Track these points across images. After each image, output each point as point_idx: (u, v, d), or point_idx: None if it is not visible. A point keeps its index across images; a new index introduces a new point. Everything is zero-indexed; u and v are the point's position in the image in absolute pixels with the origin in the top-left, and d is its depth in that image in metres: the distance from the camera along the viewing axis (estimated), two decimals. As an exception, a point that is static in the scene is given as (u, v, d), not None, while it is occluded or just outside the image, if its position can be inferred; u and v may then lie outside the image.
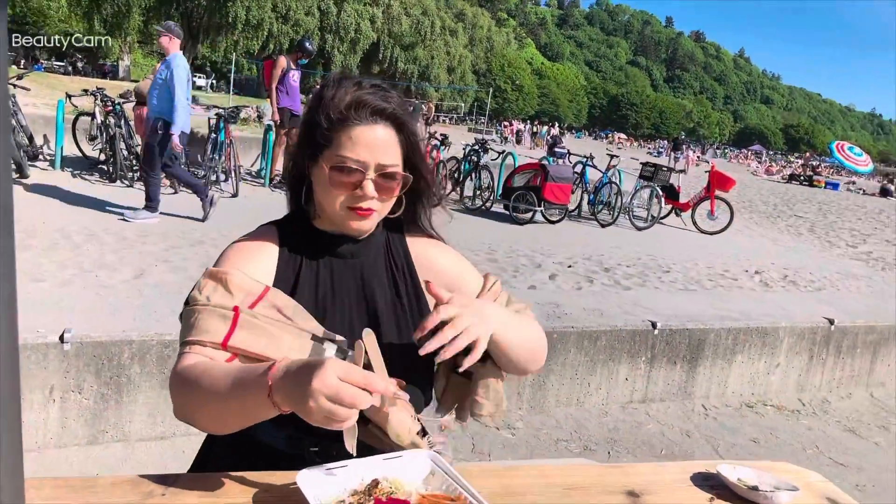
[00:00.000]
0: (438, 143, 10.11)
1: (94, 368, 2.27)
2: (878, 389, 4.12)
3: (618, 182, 10.44)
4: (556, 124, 60.26)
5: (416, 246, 1.25)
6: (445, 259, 1.26)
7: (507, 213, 9.48)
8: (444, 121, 45.09)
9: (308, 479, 0.87)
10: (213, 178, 8.50)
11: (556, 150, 25.57)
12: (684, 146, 29.44)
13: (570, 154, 11.43)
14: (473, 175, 10.06)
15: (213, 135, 8.59)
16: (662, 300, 3.95)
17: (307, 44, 9.19)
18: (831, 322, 3.83)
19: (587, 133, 78.89)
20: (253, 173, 9.96)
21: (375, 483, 0.88)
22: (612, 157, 10.89)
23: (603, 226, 9.87)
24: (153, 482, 0.91)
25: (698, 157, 43.15)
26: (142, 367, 2.33)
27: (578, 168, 10.73)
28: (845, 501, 1.04)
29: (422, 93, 60.78)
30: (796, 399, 3.79)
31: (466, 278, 1.25)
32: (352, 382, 0.80)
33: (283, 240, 1.17)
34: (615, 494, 0.99)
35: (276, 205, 6.54)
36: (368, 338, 0.95)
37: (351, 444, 0.88)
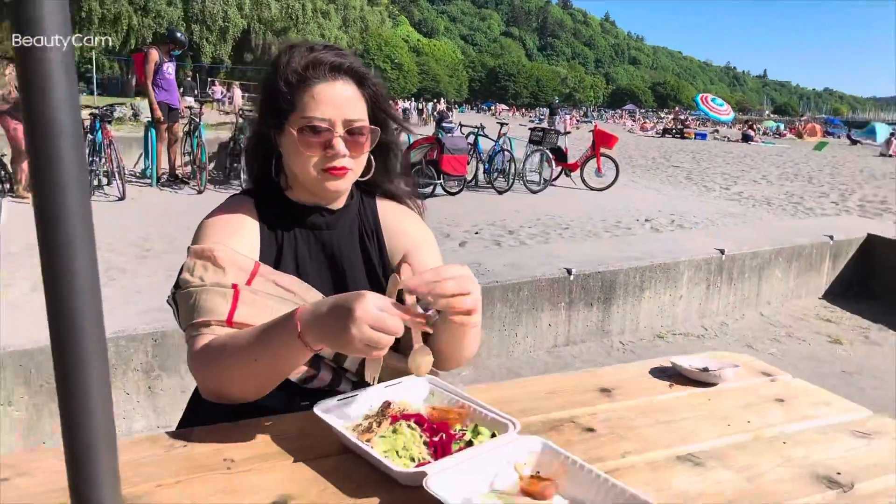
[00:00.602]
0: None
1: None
2: (766, 308, 4.56)
3: (510, 149, 10.73)
4: (443, 99, 60.58)
5: (386, 211, 1.24)
6: (410, 224, 1.25)
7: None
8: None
9: (324, 408, 0.93)
10: (95, 182, 8.04)
11: (445, 124, 25.85)
12: (559, 111, 30.53)
13: (461, 126, 11.60)
14: (369, 154, 10.04)
15: (90, 136, 8.10)
16: (573, 250, 4.18)
17: (178, 34, 8.79)
18: (722, 252, 4.20)
19: (469, 107, 79.78)
20: (137, 174, 9.48)
21: (387, 404, 0.95)
22: (501, 125, 11.15)
23: (500, 192, 10.14)
24: (172, 437, 0.94)
25: (577, 119, 44.76)
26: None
27: (471, 139, 10.93)
28: (775, 372, 1.22)
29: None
30: (699, 325, 4.14)
31: (427, 249, 1.22)
32: (389, 312, 0.86)
33: (261, 213, 1.15)
34: (591, 392, 1.11)
35: (167, 204, 6.41)
36: (405, 272, 0.99)
37: (373, 376, 0.93)
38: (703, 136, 30.92)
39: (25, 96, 0.47)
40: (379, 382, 1.01)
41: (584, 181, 11.26)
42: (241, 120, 9.80)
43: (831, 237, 4.84)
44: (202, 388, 1.02)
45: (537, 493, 0.79)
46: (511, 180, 10.28)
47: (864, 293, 4.97)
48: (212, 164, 9.50)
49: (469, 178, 10.33)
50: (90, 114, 8.33)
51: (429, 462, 0.83)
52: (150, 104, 8.36)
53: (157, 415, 2.50)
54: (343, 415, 0.94)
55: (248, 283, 1.04)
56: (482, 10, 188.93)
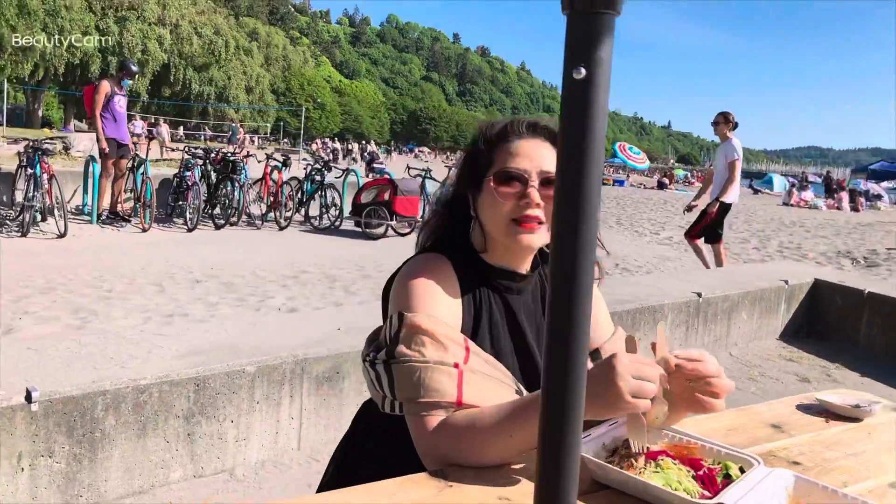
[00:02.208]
0: (280, 164, 9.89)
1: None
2: (734, 349, 4.83)
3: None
4: (373, 140, 60.80)
5: None
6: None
7: (359, 229, 9.56)
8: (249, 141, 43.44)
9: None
10: (31, 218, 7.60)
11: (375, 165, 25.98)
12: None
13: (409, 169, 11.73)
14: (319, 194, 9.98)
15: (28, 170, 7.70)
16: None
17: (130, 65, 8.57)
18: (699, 295, 4.44)
19: (391, 148, 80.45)
20: (73, 210, 9.02)
21: (627, 443, 1.00)
22: (449, 168, 11.33)
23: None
24: (435, 477, 0.95)
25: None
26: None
27: (418, 181, 11.07)
28: (905, 407, 1.35)
29: (220, 114, 58.24)
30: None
31: (602, 308, 1.30)
32: (643, 363, 0.91)
33: (459, 275, 1.16)
34: (766, 428, 1.20)
35: (112, 242, 6.20)
36: (661, 329, 1.03)
37: (640, 444, 0.96)
38: (622, 183, 32.41)
39: None
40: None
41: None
42: (187, 157, 9.56)
43: (786, 281, 5.20)
44: (440, 461, 1.02)
45: (813, 522, 0.86)
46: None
47: (813, 334, 5.34)
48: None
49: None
50: (29, 146, 7.93)
51: (707, 495, 0.89)
52: (98, 138, 8.03)
53: (194, 463, 2.40)
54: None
55: (465, 360, 1.06)
56: (403, 54, 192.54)
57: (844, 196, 23.70)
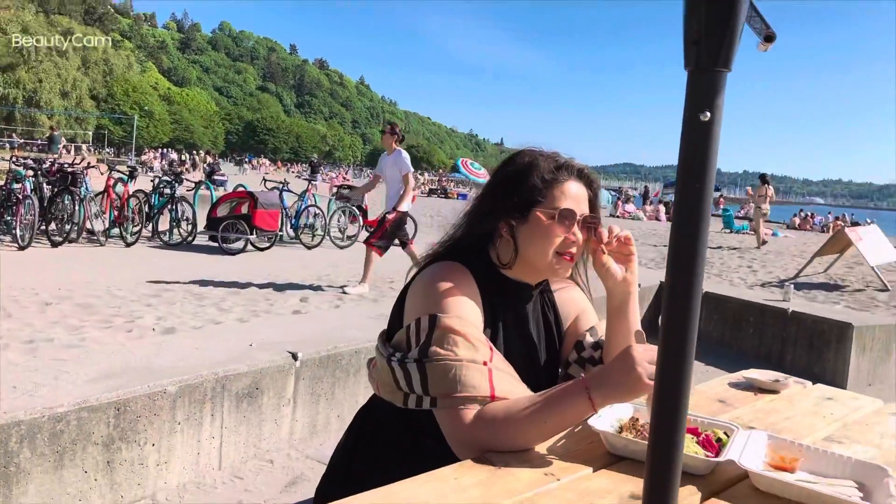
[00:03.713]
0: (125, 177, 9.25)
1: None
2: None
3: (317, 205, 10.83)
4: (212, 151, 57.79)
5: (556, 284, 1.46)
6: (576, 292, 1.48)
7: (214, 244, 9.17)
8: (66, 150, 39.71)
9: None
10: None
11: (216, 177, 24.83)
12: (321, 168, 31.29)
13: (265, 181, 11.41)
14: (169, 208, 9.44)
15: None
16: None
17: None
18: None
19: (227, 159, 77.12)
20: None
21: (636, 419, 1.17)
22: (309, 181, 11.24)
23: (308, 248, 10.16)
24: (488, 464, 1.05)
25: (343, 177, 45.71)
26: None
27: (276, 194, 10.84)
28: (802, 380, 1.65)
29: (30, 120, 52.77)
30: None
31: (591, 311, 1.48)
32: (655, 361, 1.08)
33: (482, 286, 1.27)
34: (714, 403, 1.44)
35: None
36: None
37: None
38: (465, 196, 33.61)
39: None
40: None
41: (385, 237, 11.73)
42: (14, 167, 8.65)
43: (639, 284, 5.79)
44: (478, 448, 1.12)
45: (788, 468, 1.08)
46: (322, 235, 10.37)
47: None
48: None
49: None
50: None
51: (711, 456, 1.08)
52: None
53: (114, 492, 2.27)
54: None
55: (490, 359, 1.19)
56: (237, 62, 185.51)
57: (661, 208, 26.38)
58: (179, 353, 2.71)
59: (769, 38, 0.73)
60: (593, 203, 1.34)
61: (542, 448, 1.13)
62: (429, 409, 1.19)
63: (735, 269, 11.46)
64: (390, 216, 6.67)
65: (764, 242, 14.99)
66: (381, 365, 1.28)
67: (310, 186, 10.97)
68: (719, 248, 14.67)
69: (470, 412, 1.14)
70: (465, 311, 1.21)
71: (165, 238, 9.47)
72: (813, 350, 5.00)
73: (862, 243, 10.14)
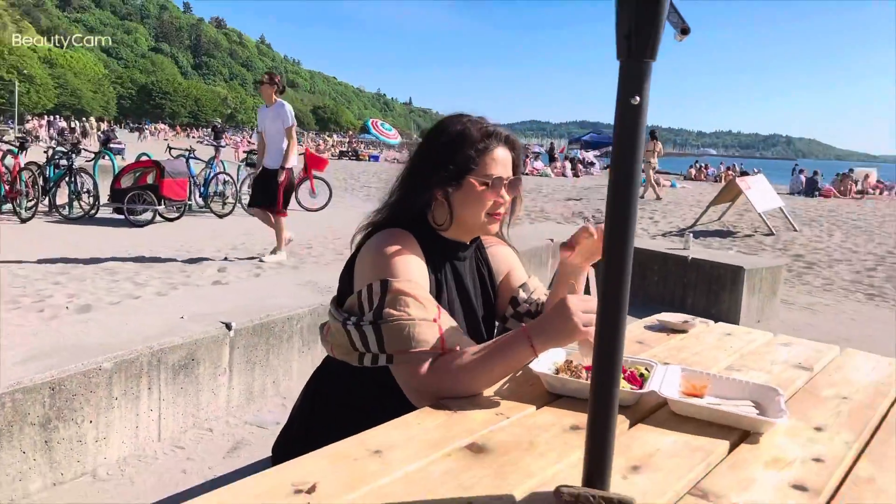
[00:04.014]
0: (14, 149, 8.67)
1: None
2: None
3: (226, 172, 10.53)
4: (105, 117, 54.11)
5: (488, 241, 1.60)
6: (506, 249, 1.63)
7: (120, 216, 8.80)
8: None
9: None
10: None
11: (112, 145, 23.51)
12: (224, 132, 30.23)
13: (170, 149, 10.96)
14: (67, 180, 8.94)
15: None
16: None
17: None
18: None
19: (121, 125, 72.71)
20: None
21: (569, 361, 1.32)
22: (217, 148, 10.87)
23: (220, 217, 9.90)
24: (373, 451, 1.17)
25: (248, 141, 44.21)
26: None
27: (183, 162, 10.45)
28: (704, 319, 1.86)
29: None
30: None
31: (519, 266, 1.65)
32: (589, 310, 1.21)
33: (424, 248, 1.38)
34: (634, 344, 1.62)
35: None
36: (593, 271, 1.32)
37: (586, 357, 1.28)
38: (376, 158, 33.34)
39: None
40: None
41: (298, 202, 11.56)
42: None
43: (552, 239, 6.06)
44: (434, 395, 1.23)
45: (698, 394, 1.26)
46: (234, 203, 10.12)
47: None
48: None
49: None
50: None
51: (636, 389, 1.24)
52: None
53: (53, 470, 2.26)
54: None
55: (439, 316, 1.29)
56: (126, 22, 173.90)
57: (567, 164, 27.14)
58: (108, 329, 2.68)
59: (684, 30, 0.86)
60: (516, 164, 1.47)
61: (490, 392, 1.26)
62: (384, 365, 1.29)
63: (638, 221, 12.04)
64: (281, 178, 6.30)
65: (658, 199, 15.75)
66: (336, 328, 1.36)
67: (218, 153, 10.62)
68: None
69: (424, 365, 1.25)
70: (413, 275, 1.31)
71: (65, 212, 8.98)
72: (710, 293, 5.43)
73: (751, 191, 10.91)
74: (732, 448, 1.08)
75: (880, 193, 22.97)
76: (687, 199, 16.26)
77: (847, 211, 15.01)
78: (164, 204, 8.85)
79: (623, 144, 0.81)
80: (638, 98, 0.79)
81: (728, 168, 29.84)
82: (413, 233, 1.40)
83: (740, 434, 1.12)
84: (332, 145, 42.61)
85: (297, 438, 1.49)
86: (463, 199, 1.41)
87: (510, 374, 1.29)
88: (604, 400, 0.87)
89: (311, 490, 0.90)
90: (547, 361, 1.33)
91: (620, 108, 0.80)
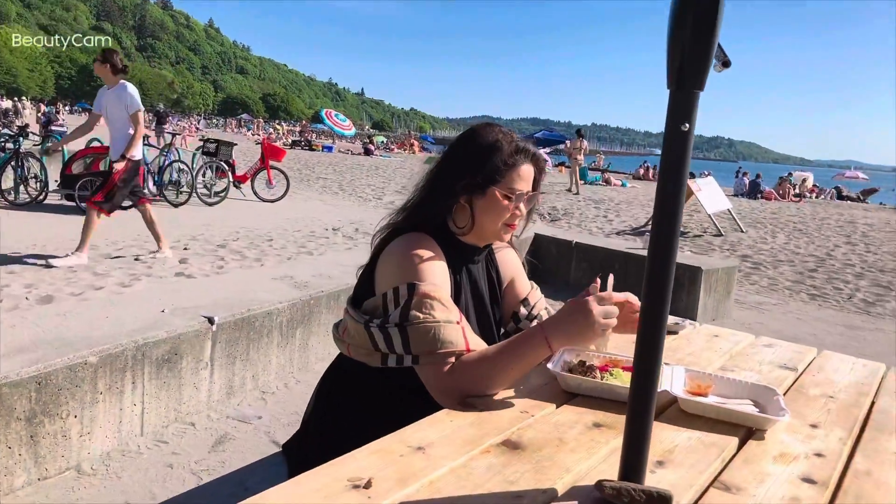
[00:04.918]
0: (-42, 130, 8.27)
1: None
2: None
3: (181, 160, 10.29)
4: (47, 98, 51.75)
5: (497, 246, 1.67)
6: (512, 254, 1.71)
7: (70, 203, 8.51)
8: None
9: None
10: None
11: (54, 128, 22.62)
12: (168, 118, 29.50)
13: (65, 131, 10.61)
14: (14, 165, 8.60)
15: None
16: (332, 260, 4.58)
17: None
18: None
19: (62, 107, 69.82)
20: None
21: (583, 362, 1.39)
22: (173, 135, 10.61)
23: (175, 206, 9.69)
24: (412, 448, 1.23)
25: (196, 128, 43.20)
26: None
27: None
28: (693, 322, 1.97)
29: None
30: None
31: (523, 273, 1.72)
32: (606, 299, 1.30)
33: (445, 252, 1.44)
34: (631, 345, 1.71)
35: None
36: (611, 278, 1.40)
37: (603, 347, 1.36)
38: (330, 149, 33.01)
39: None
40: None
41: (255, 193, 11.41)
42: None
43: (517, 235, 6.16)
44: (459, 395, 1.29)
45: (703, 393, 1.36)
46: (189, 193, 9.90)
47: (534, 277, 6.39)
48: None
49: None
50: None
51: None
52: None
53: (38, 466, 2.23)
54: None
55: (461, 318, 1.36)
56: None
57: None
58: (88, 322, 2.64)
59: (725, 63, 0.94)
60: (537, 179, 1.55)
61: (510, 392, 1.33)
62: (409, 366, 1.35)
63: (593, 219, 12.35)
64: (119, 166, 5.51)
65: (576, 193, 16.48)
66: (356, 330, 1.41)
67: (158, 138, 10.35)
68: (578, 200, 15.65)
69: (449, 364, 1.31)
70: (438, 279, 1.37)
71: (11, 198, 8.64)
72: (669, 292, 5.63)
73: (701, 193, 11.29)
74: (742, 444, 1.17)
75: (816, 197, 24.10)
76: (638, 199, 16.69)
77: (788, 213, 15.68)
78: (118, 191, 8.59)
79: (670, 168, 0.89)
80: (687, 125, 0.87)
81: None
82: (434, 236, 1.45)
83: (746, 431, 1.22)
84: (283, 134, 41.92)
85: (313, 439, 1.53)
86: (485, 207, 1.47)
87: (528, 372, 1.36)
88: (643, 402, 0.95)
89: (367, 485, 0.95)
90: (559, 362, 1.40)
91: (670, 134, 0.88)
